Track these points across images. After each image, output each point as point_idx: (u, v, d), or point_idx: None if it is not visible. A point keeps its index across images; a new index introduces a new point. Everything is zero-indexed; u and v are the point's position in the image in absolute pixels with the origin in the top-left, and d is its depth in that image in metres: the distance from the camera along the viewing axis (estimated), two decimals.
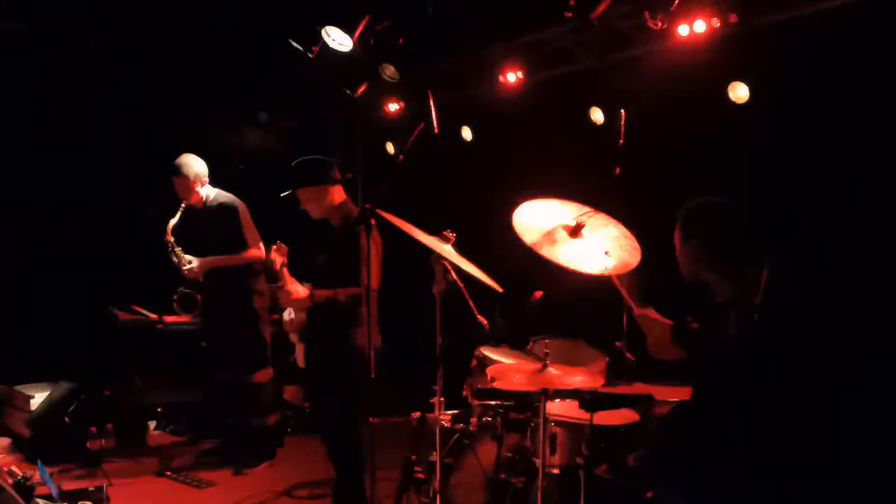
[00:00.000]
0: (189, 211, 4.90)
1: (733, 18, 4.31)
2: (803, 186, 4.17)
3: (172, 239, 4.83)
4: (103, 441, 4.86)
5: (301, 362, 3.81)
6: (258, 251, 4.79)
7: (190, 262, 4.76)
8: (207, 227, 4.86)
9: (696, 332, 2.67)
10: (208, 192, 4.87)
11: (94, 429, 4.84)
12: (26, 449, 5.01)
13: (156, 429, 5.55)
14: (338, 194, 3.81)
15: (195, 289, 4.87)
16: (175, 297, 4.90)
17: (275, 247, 3.62)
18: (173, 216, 4.86)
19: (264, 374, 4.88)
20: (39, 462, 4.16)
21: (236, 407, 4.90)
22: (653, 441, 2.84)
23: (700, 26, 4.44)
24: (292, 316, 3.84)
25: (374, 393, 3.20)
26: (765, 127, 4.32)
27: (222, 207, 4.81)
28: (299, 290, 3.59)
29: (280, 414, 5.20)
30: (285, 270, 3.58)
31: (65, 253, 7.43)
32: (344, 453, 3.76)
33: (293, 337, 3.83)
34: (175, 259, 4.81)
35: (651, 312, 2.99)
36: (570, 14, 4.49)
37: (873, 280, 3.85)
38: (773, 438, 2.36)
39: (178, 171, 4.75)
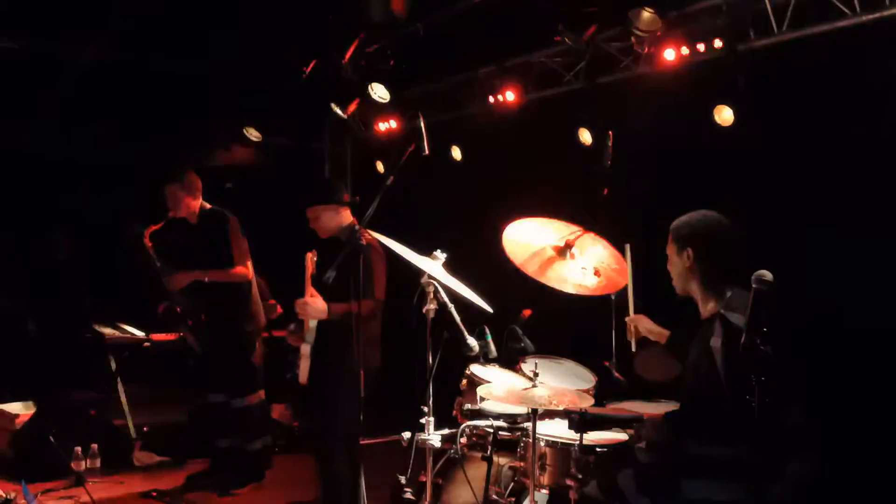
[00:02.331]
0: (182, 224, 4.85)
1: (718, 43, 4.39)
2: (789, 208, 4.23)
3: (150, 244, 4.75)
4: (88, 461, 4.80)
5: (303, 378, 3.78)
6: (244, 269, 4.70)
7: (171, 272, 4.70)
8: (196, 241, 4.81)
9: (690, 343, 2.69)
10: (202, 207, 4.84)
11: (79, 448, 4.78)
12: (10, 469, 4.95)
13: (141, 449, 5.49)
14: (346, 215, 3.88)
15: (182, 303, 4.80)
16: (160, 308, 4.84)
17: (309, 254, 3.66)
18: (157, 224, 4.79)
19: (254, 398, 4.84)
20: (23, 482, 4.11)
21: (225, 429, 4.86)
22: (640, 457, 2.85)
23: (686, 51, 4.53)
24: (297, 324, 3.82)
25: (366, 412, 3.20)
26: (750, 149, 4.39)
27: (212, 220, 4.76)
28: (320, 302, 3.62)
29: (269, 437, 5.15)
30: (309, 280, 3.62)
31: (51, 271, 7.40)
32: (336, 472, 3.75)
33: (304, 348, 3.80)
34: (156, 266, 4.75)
35: (646, 320, 3.03)
36: (559, 38, 4.56)
37: (861, 301, 3.91)
38: (760, 456, 2.38)
39: (169, 180, 4.73)
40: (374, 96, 6.05)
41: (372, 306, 3.68)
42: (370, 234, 3.62)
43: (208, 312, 4.77)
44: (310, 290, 3.64)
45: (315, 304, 3.63)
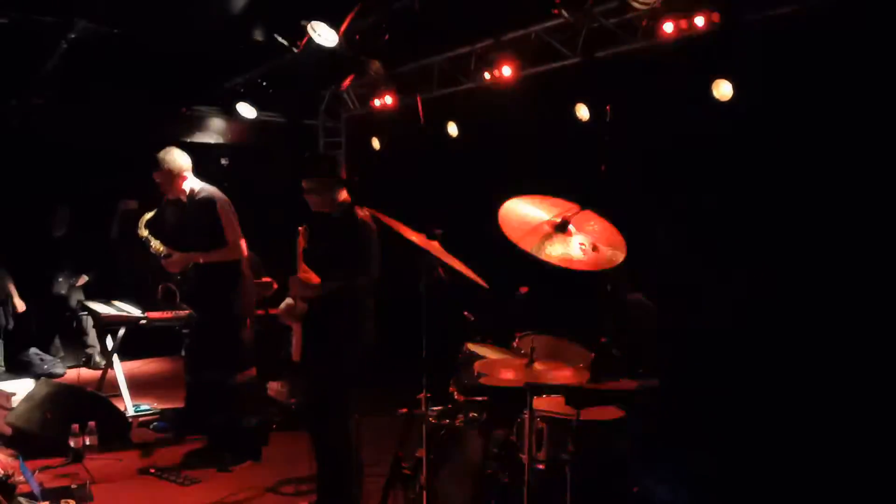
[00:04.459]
0: (174, 204, 4.84)
1: (717, 17, 4.34)
2: (787, 182, 4.21)
3: (146, 233, 4.77)
4: (86, 438, 4.81)
5: (296, 355, 3.78)
6: (237, 249, 4.71)
7: (168, 255, 4.72)
8: (188, 221, 4.79)
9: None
10: (193, 185, 4.78)
11: (76, 426, 4.79)
12: (8, 446, 4.95)
13: (139, 426, 5.51)
14: (341, 192, 3.86)
15: (180, 283, 4.83)
16: (159, 288, 4.88)
17: (301, 228, 3.65)
18: (151, 211, 4.82)
19: (245, 376, 4.86)
20: (21, 459, 4.11)
21: (220, 406, 4.87)
22: (629, 429, 2.87)
23: (685, 24, 4.47)
24: (289, 301, 3.81)
25: (362, 388, 3.20)
26: (748, 124, 4.36)
27: (202, 201, 4.74)
28: (313, 278, 3.61)
29: (264, 414, 5.17)
30: (301, 256, 3.62)
31: (46, 248, 7.37)
32: (333, 449, 3.76)
33: (295, 327, 3.80)
34: (153, 251, 4.78)
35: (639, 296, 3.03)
36: (557, 11, 4.50)
37: (853, 278, 3.91)
38: (738, 425, 2.40)
39: (158, 166, 4.69)
40: (370, 72, 5.97)
41: (366, 283, 3.67)
42: (365, 211, 3.60)
43: (202, 290, 4.79)
44: (302, 266, 3.63)
45: (308, 281, 3.61)
